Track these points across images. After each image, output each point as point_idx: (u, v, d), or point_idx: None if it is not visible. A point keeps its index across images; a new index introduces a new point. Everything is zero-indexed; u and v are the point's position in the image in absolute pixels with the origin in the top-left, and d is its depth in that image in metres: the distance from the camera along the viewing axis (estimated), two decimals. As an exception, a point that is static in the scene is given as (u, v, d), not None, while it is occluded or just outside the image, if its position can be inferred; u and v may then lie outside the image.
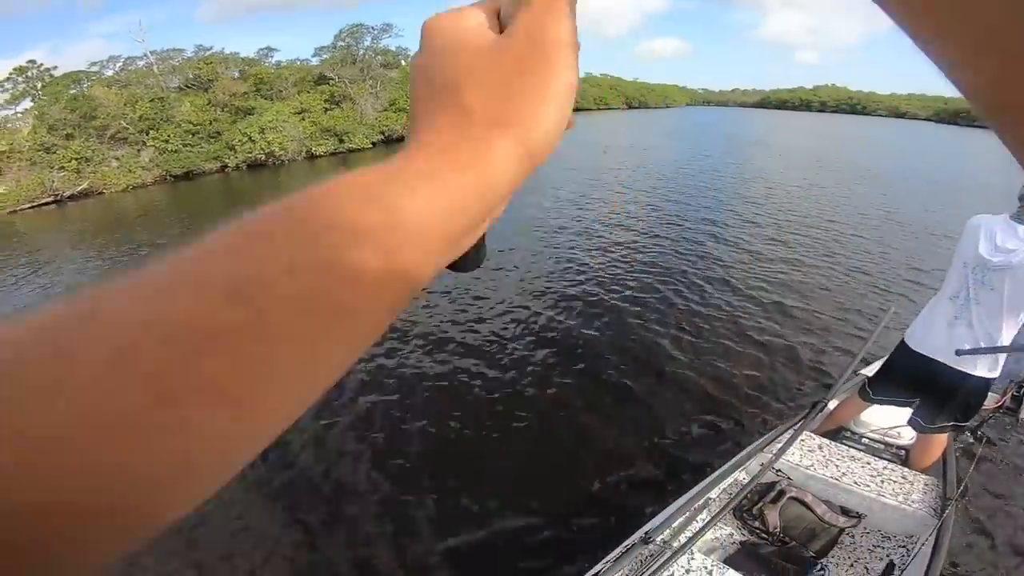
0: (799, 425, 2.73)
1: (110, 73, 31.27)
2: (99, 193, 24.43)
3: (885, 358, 2.87)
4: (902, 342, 2.66)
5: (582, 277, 7.79)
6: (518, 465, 3.82)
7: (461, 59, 0.24)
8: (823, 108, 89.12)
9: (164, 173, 25.62)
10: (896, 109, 79.39)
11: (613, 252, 8.97)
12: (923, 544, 2.08)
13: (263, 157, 25.30)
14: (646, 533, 2.10)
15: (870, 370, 3.09)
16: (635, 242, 9.59)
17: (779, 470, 2.60)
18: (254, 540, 3.31)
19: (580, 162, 20.67)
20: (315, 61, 34.59)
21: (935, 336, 2.43)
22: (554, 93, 0.24)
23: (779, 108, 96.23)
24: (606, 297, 6.98)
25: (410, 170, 0.21)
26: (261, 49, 34.62)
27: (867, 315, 6.19)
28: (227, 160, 25.59)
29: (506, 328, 6.09)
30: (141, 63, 31.99)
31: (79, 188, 24.19)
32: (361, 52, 33.38)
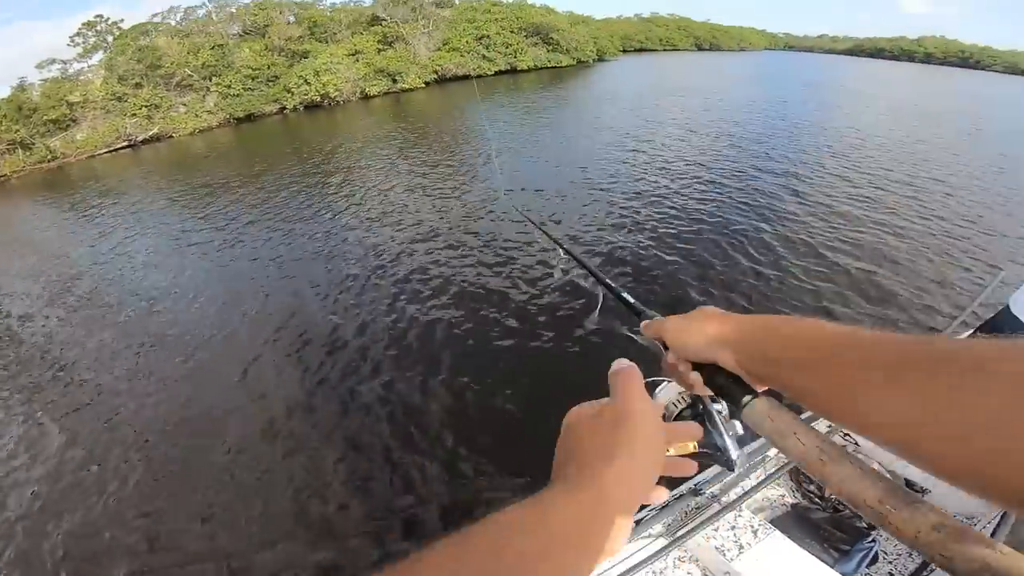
0: None
1: (173, 23, 32.07)
2: (169, 137, 25.46)
3: (981, 324, 2.65)
4: (1006, 309, 2.42)
5: (634, 230, 7.10)
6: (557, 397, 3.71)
7: (582, 429, 0.43)
8: (928, 60, 78.90)
9: (227, 116, 26.32)
10: (1016, 66, 69.90)
11: (667, 203, 8.13)
12: (982, 528, 1.94)
13: (318, 98, 25.35)
14: (696, 484, 2.06)
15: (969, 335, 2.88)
16: (695, 194, 8.62)
17: (847, 434, 2.41)
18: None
19: (636, 103, 19.36)
20: (368, 2, 34.00)
21: None
22: (636, 439, 0.41)
23: (873, 57, 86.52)
24: (660, 254, 6.38)
25: (552, 499, 0.36)
26: (316, -9, 34.23)
27: (972, 279, 5.71)
28: (285, 102, 25.87)
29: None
30: (201, 12, 32.55)
31: (150, 133, 25.28)
32: (413, -10, 32.39)
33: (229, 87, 26.85)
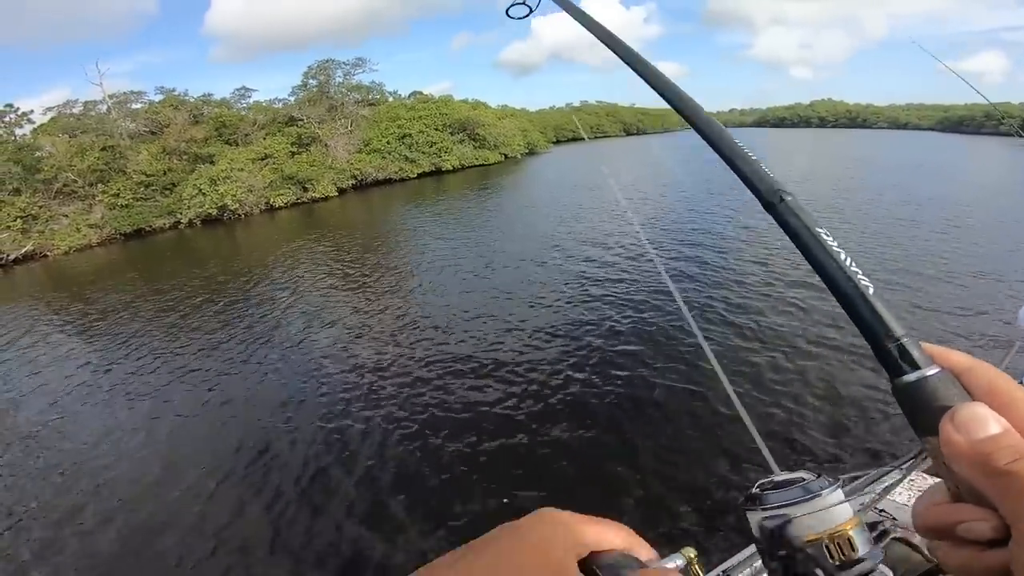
0: (908, 465, 2.11)
1: (72, 118, 29.29)
2: (44, 256, 21.99)
3: None
4: None
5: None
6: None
7: None
8: (822, 123, 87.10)
9: (113, 231, 23.35)
10: (896, 120, 77.51)
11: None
12: None
13: (215, 211, 22.86)
14: (723, 572, 1.93)
15: None
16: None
17: (883, 510, 2.16)
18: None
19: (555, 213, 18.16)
20: (294, 99, 32.63)
21: None
22: None
23: (777, 126, 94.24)
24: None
25: None
26: (237, 89, 32.51)
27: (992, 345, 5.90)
28: (180, 215, 23.21)
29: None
30: (102, 108, 30.02)
31: (24, 250, 21.78)
32: (332, 89, 31.38)
33: (117, 196, 24.03)
